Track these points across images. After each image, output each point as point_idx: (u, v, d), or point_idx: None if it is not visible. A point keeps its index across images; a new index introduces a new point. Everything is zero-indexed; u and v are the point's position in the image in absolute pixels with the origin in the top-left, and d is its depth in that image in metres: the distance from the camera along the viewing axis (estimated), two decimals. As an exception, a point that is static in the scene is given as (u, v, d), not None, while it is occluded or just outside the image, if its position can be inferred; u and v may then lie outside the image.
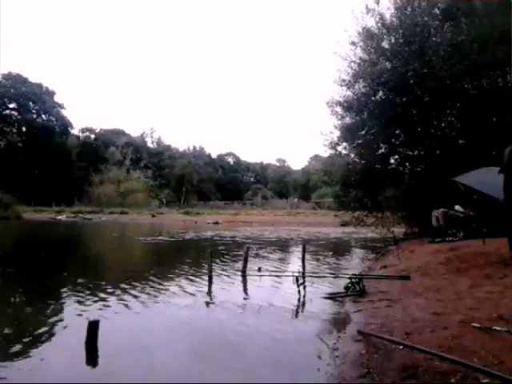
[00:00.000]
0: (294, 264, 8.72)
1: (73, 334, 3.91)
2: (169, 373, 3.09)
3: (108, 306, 5.10)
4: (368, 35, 13.29)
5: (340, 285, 5.92)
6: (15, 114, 57.03)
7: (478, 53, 11.22)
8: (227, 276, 7.34)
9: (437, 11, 13.02)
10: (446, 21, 12.59)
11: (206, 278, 6.84)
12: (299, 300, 5.42)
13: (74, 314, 4.72)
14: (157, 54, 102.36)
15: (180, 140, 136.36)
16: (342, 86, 13.98)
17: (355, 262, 9.99)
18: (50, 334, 4.05)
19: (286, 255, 12.02)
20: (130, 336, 3.99)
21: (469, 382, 2.36)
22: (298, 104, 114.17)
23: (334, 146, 14.72)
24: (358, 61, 13.64)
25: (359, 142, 14.00)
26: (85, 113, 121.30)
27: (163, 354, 3.48)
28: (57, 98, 58.69)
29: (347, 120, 14.30)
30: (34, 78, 57.39)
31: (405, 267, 6.79)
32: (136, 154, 62.78)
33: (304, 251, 8.66)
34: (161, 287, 6.41)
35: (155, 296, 5.78)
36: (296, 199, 59.96)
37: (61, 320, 4.55)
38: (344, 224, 17.11)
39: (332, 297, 5.48)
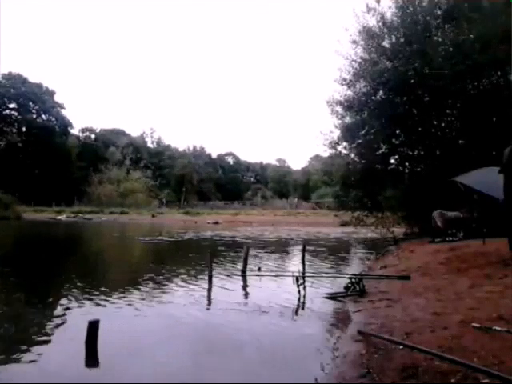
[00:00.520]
0: (294, 264, 8.72)
1: (73, 334, 3.90)
2: (169, 373, 3.09)
3: (108, 306, 5.10)
4: (369, 34, 13.29)
5: (340, 285, 5.92)
6: (15, 113, 57.02)
7: (479, 53, 11.22)
8: (227, 276, 7.34)
9: (438, 11, 13.01)
10: (447, 20, 12.59)
11: (206, 278, 6.84)
12: (299, 300, 5.42)
13: (74, 314, 4.72)
14: (157, 54, 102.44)
15: (180, 140, 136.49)
16: (342, 85, 13.99)
17: (355, 262, 10.00)
18: (50, 334, 4.05)
19: (286, 255, 12.02)
20: (130, 336, 3.99)
21: (469, 382, 2.35)
22: (298, 104, 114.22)
23: (334, 145, 14.72)
24: (358, 60, 13.64)
25: (359, 141, 13.99)
26: (85, 113, 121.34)
27: (163, 353, 3.48)
28: (57, 98, 58.76)
29: (347, 119, 14.30)
30: (33, 78, 57.46)
31: (405, 267, 6.79)
32: (136, 154, 62.81)
33: (304, 251, 8.67)
34: (161, 287, 6.41)
35: (155, 296, 5.78)
36: (296, 199, 59.94)
37: (61, 320, 4.54)
38: (344, 224, 17.11)
39: (332, 297, 5.47)
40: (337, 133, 14.62)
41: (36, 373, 3.09)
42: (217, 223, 33.09)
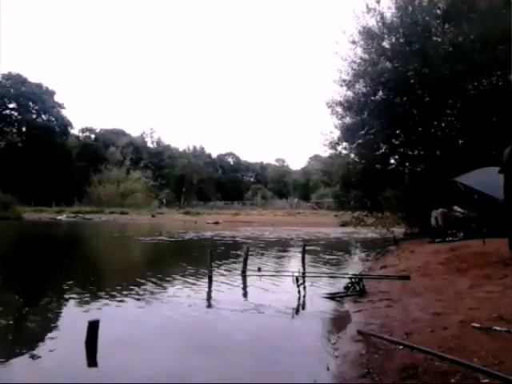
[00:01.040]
0: (294, 264, 8.72)
1: (73, 334, 3.90)
2: (169, 372, 3.09)
3: (108, 306, 5.10)
4: (368, 35, 13.29)
5: (340, 285, 5.92)
6: (15, 113, 57.01)
7: (479, 53, 11.22)
8: (227, 276, 7.34)
9: (438, 11, 13.01)
10: (446, 21, 12.59)
11: (206, 277, 6.84)
12: (299, 300, 5.42)
13: (74, 314, 4.72)
14: (157, 54, 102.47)
15: (180, 140, 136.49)
16: (342, 85, 13.99)
17: (355, 262, 9.99)
18: (50, 334, 4.04)
19: (286, 255, 12.02)
20: (130, 336, 3.99)
21: (469, 381, 2.36)
22: (298, 104, 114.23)
23: (334, 145, 14.72)
24: (358, 60, 13.64)
25: (359, 141, 13.99)
26: (85, 113, 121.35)
27: (163, 353, 3.48)
28: (57, 98, 58.72)
29: (347, 120, 14.30)
30: (33, 78, 57.46)
31: (405, 267, 6.79)
32: (136, 154, 62.80)
33: (304, 251, 8.66)
34: (161, 287, 6.41)
35: (155, 296, 5.78)
36: (296, 199, 59.93)
37: (61, 320, 4.55)
38: (344, 224, 17.10)
39: (332, 297, 5.47)
40: (337, 133, 14.64)
41: (36, 373, 3.09)
42: (217, 223, 33.08)
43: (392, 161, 14.63)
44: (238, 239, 16.52)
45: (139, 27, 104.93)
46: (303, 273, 6.54)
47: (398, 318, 3.85)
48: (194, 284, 6.64)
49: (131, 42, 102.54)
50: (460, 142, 13.08)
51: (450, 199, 9.96)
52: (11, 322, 4.54)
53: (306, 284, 5.94)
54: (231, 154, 79.56)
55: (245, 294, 6.15)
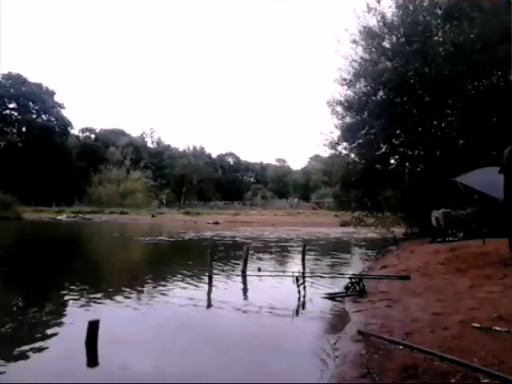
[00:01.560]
0: (294, 264, 8.72)
1: (73, 334, 3.90)
2: (169, 372, 3.09)
3: (108, 306, 5.11)
4: (369, 34, 13.28)
5: (340, 285, 5.92)
6: (15, 113, 57.01)
7: (479, 53, 11.21)
8: (227, 276, 7.34)
9: (438, 11, 13.01)
10: (447, 20, 12.58)
11: (206, 277, 6.84)
12: (299, 300, 5.41)
13: (74, 314, 4.72)
14: (157, 54, 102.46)
15: (180, 140, 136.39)
16: (342, 85, 13.99)
17: (355, 262, 9.99)
18: (50, 334, 4.04)
19: (286, 255, 12.01)
20: (130, 335, 3.98)
21: (469, 381, 2.35)
22: (298, 104, 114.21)
23: (334, 145, 14.71)
24: (359, 60, 13.63)
25: (359, 141, 13.99)
26: (85, 113, 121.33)
27: (164, 353, 3.48)
28: (57, 98, 58.73)
29: (348, 119, 14.29)
30: (33, 78, 57.45)
31: (405, 267, 6.79)
32: (136, 154, 62.80)
33: (304, 251, 8.66)
34: (161, 287, 6.41)
35: (155, 296, 5.77)
36: (296, 199, 59.94)
37: (61, 320, 4.55)
38: (344, 224, 17.09)
39: (332, 297, 5.47)
40: (337, 133, 14.63)
41: (36, 373, 3.09)
42: (217, 223, 33.07)
43: (392, 161, 14.63)
44: (237, 239, 16.52)
45: (139, 27, 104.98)
46: (303, 273, 6.53)
47: (398, 318, 3.85)
48: (194, 284, 6.64)
49: (131, 42, 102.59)
50: (460, 142, 13.07)
51: (450, 199, 9.95)
52: (11, 322, 4.54)
53: (306, 284, 5.93)
54: (231, 154, 79.56)
55: (245, 294, 6.15)
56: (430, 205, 10.40)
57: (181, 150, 72.09)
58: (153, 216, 41.98)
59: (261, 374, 3.09)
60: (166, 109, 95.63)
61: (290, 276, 6.05)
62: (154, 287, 6.40)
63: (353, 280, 5.64)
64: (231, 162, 79.40)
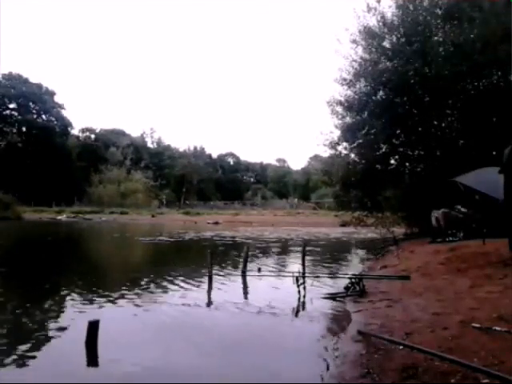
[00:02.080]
0: (294, 264, 8.72)
1: (73, 334, 3.90)
2: (169, 373, 3.09)
3: (108, 306, 5.10)
4: (369, 34, 13.27)
5: (340, 285, 5.92)
6: (15, 114, 57.03)
7: (479, 53, 11.21)
8: (227, 276, 7.34)
9: (438, 11, 13.00)
10: (447, 20, 12.57)
11: (206, 277, 6.84)
12: (299, 300, 5.41)
13: (74, 314, 4.72)
14: (157, 54, 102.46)
15: (180, 140, 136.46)
16: (342, 85, 13.97)
17: (355, 262, 10.00)
18: (50, 334, 4.04)
19: (286, 255, 12.01)
20: (131, 336, 3.99)
21: (469, 381, 2.35)
22: (298, 104, 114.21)
23: (334, 145, 14.70)
24: (359, 60, 13.62)
25: (359, 141, 13.97)
26: (85, 113, 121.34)
27: (164, 353, 3.47)
28: (57, 98, 58.74)
29: (348, 119, 14.27)
30: (34, 78, 57.50)
31: (405, 267, 6.79)
32: (136, 154, 62.83)
33: (304, 251, 8.66)
34: (161, 287, 6.41)
35: (155, 296, 5.77)
36: (296, 199, 59.94)
37: (61, 320, 4.55)
38: (344, 224, 17.10)
39: (332, 297, 5.47)
40: (337, 133, 14.62)
41: (36, 373, 3.09)
42: (217, 223, 33.07)
43: (392, 161, 14.61)
44: (237, 239, 16.53)
45: (139, 27, 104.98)
46: (303, 273, 6.53)
47: (398, 318, 3.85)
48: (194, 284, 6.64)
49: (131, 42, 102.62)
50: (460, 142, 13.06)
51: (450, 199, 9.94)
52: (11, 322, 4.54)
53: (306, 284, 5.93)
54: (231, 154, 79.54)
55: (245, 294, 6.15)
56: (430, 205, 10.39)
57: (181, 150, 72.15)
58: (153, 216, 42.00)
59: (260, 373, 3.09)
60: (166, 109, 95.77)
61: (290, 276, 6.05)
62: (154, 287, 6.40)
63: (353, 280, 5.64)
64: (231, 162, 79.39)
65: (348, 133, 14.15)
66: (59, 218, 36.94)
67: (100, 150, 61.65)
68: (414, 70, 12.15)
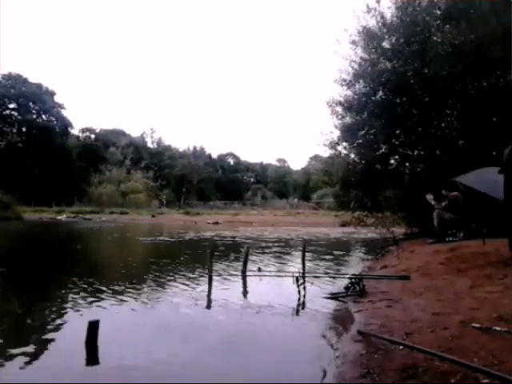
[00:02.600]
0: (294, 264, 8.72)
1: (73, 334, 3.90)
2: (169, 372, 3.09)
3: (108, 306, 5.10)
4: (368, 35, 13.26)
5: (340, 285, 5.92)
6: (15, 114, 57.06)
7: (479, 53, 11.21)
8: (227, 276, 7.34)
9: (437, 11, 13.01)
10: (446, 21, 12.57)
11: (206, 277, 6.84)
12: (299, 300, 5.41)
13: (74, 314, 4.72)
14: (157, 54, 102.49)
15: (180, 140, 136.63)
16: (342, 85, 13.96)
17: (355, 262, 9.99)
18: (50, 334, 4.04)
19: (286, 255, 12.01)
20: (131, 336, 3.99)
21: (469, 382, 2.36)
22: (298, 104, 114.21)
23: (334, 145, 14.70)
24: (358, 60, 13.61)
25: (359, 141, 13.97)
26: (85, 113, 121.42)
27: (164, 353, 3.48)
28: (57, 98, 58.82)
29: (347, 120, 14.27)
30: (33, 78, 57.51)
31: (405, 267, 6.79)
32: (136, 154, 62.84)
33: (304, 251, 8.66)
34: (161, 287, 6.41)
35: (155, 296, 5.78)
36: (296, 199, 59.97)
37: (61, 320, 4.55)
38: (344, 224, 17.08)
39: (332, 297, 5.47)
40: (337, 133, 14.60)
41: (36, 373, 3.10)
42: (217, 223, 33.08)
43: (392, 161, 14.60)
44: (237, 239, 16.53)
45: (139, 27, 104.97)
46: (303, 273, 6.53)
47: (398, 318, 3.85)
48: (194, 284, 6.64)
49: (131, 42, 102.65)
50: (460, 142, 13.05)
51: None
52: (11, 322, 4.54)
53: (306, 284, 5.93)
54: (231, 154, 79.58)
55: (245, 294, 6.15)
56: (430, 205, 10.39)
57: (181, 150, 72.22)
58: (153, 216, 42.02)
59: (260, 374, 3.09)
60: (166, 109, 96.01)
61: (290, 276, 6.04)
62: (154, 287, 6.40)
63: (353, 280, 5.63)
64: (231, 162, 79.44)
65: (348, 133, 14.14)
66: (59, 218, 36.96)
67: (100, 150, 61.69)
68: (414, 71, 12.15)
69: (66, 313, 4.86)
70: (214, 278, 6.86)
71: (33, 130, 55.04)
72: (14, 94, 55.03)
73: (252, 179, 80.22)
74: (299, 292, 5.61)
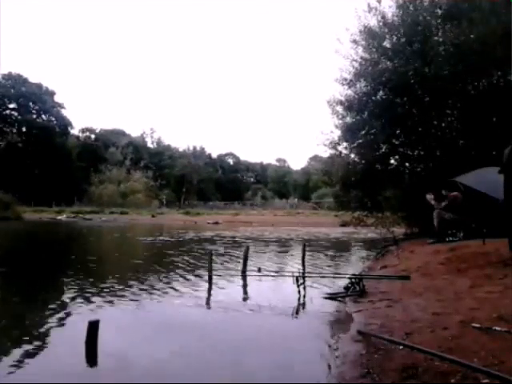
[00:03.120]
0: (294, 264, 8.71)
1: (73, 334, 3.90)
2: (169, 372, 3.09)
3: (108, 306, 5.10)
4: (369, 34, 13.26)
5: (340, 285, 5.91)
6: (15, 114, 57.05)
7: (479, 53, 11.20)
8: (227, 276, 7.33)
9: (438, 11, 13.01)
10: (447, 20, 12.57)
11: (206, 277, 6.84)
12: (299, 300, 5.41)
13: (74, 314, 4.72)
14: (157, 54, 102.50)
15: (180, 140, 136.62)
16: (343, 84, 13.96)
17: (355, 262, 9.99)
18: (50, 334, 4.04)
19: (286, 255, 12.01)
20: (131, 336, 3.99)
21: (469, 382, 2.35)
22: (298, 104, 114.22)
23: (334, 145, 14.70)
24: (359, 60, 13.61)
25: (360, 141, 13.97)
26: (85, 113, 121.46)
27: (163, 353, 3.48)
28: (57, 98, 58.79)
29: (348, 119, 14.26)
30: (33, 78, 57.50)
31: (405, 267, 6.78)
32: (136, 154, 62.85)
33: (304, 251, 8.66)
34: (161, 287, 6.40)
35: (156, 296, 5.77)
36: (296, 199, 59.96)
37: (61, 320, 4.54)
38: (344, 224, 17.09)
39: (332, 297, 5.47)
40: (337, 133, 14.61)
41: (36, 373, 3.09)
42: (217, 223, 33.09)
43: (392, 161, 14.61)
44: (237, 239, 16.52)
45: (139, 27, 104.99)
46: (303, 273, 6.53)
47: (398, 318, 3.85)
48: (193, 284, 6.64)
49: (131, 41, 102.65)
50: (460, 142, 13.05)
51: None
52: (11, 322, 4.54)
53: (306, 284, 5.93)
54: (231, 154, 79.58)
55: (244, 294, 6.15)
56: (430, 205, 10.38)
57: (181, 150, 72.20)
58: (153, 216, 42.03)
59: (259, 373, 3.09)
60: (166, 109, 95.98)
61: (289, 276, 6.04)
62: (154, 287, 6.39)
63: (353, 280, 5.63)
64: (231, 162, 79.44)
65: (348, 133, 14.14)
66: (59, 218, 36.97)
67: (100, 150, 61.70)
68: (414, 70, 12.15)
69: (65, 312, 4.86)
70: (214, 277, 6.86)
71: (33, 130, 55.05)
72: (13, 93, 55.03)
73: (252, 179, 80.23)
74: (299, 292, 5.61)
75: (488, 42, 11.02)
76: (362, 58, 13.60)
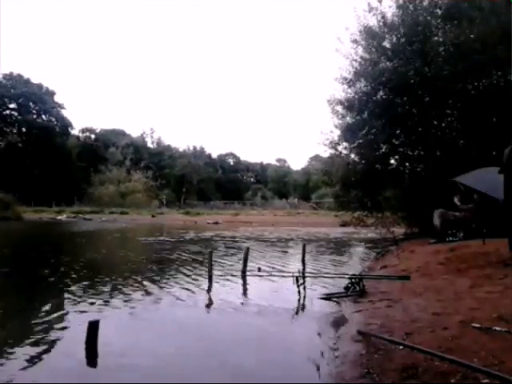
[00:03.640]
0: (294, 264, 8.71)
1: (73, 334, 3.90)
2: (169, 372, 3.09)
3: (108, 306, 5.10)
4: (370, 34, 13.28)
5: (340, 285, 5.91)
6: (15, 114, 57.04)
7: (479, 53, 11.21)
8: (227, 276, 7.33)
9: (438, 11, 13.02)
10: (447, 20, 12.58)
11: (206, 277, 6.84)
12: (299, 300, 5.41)
13: (74, 314, 4.72)
14: (157, 54, 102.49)
15: (180, 140, 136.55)
16: (343, 83, 13.97)
17: (355, 262, 9.98)
18: (50, 334, 4.04)
19: (286, 255, 12.01)
20: (131, 336, 3.99)
21: (469, 382, 2.35)
22: (298, 103, 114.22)
23: (334, 145, 14.72)
24: (359, 59, 13.63)
25: (360, 141, 13.98)
26: (85, 113, 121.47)
27: (163, 353, 3.48)
28: (57, 98, 58.78)
29: (348, 119, 14.28)
30: (34, 79, 57.57)
31: (405, 267, 6.78)
32: (136, 154, 62.82)
33: (304, 251, 8.66)
34: (161, 287, 6.41)
35: (156, 296, 5.77)
36: (296, 199, 59.93)
37: (61, 320, 4.54)
38: (344, 224, 17.10)
39: (332, 297, 5.46)
40: (337, 133, 14.63)
41: (36, 373, 3.09)
42: (217, 223, 33.09)
43: (392, 161, 14.63)
44: (237, 239, 16.52)
45: (139, 27, 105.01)
46: (303, 273, 6.53)
47: (398, 318, 3.85)
48: (193, 284, 6.63)
49: (131, 42, 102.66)
50: (460, 142, 13.06)
51: (450, 199, 9.94)
52: (11, 322, 4.54)
53: (306, 284, 5.92)
54: (231, 154, 79.52)
55: (244, 294, 6.14)
56: (430, 205, 10.39)
57: (181, 150, 72.15)
58: (153, 216, 42.03)
59: (259, 374, 3.09)
60: (166, 109, 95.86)
61: (289, 276, 6.04)
62: (155, 287, 6.39)
63: (353, 280, 5.63)
64: (231, 162, 79.38)
65: (348, 133, 14.15)
66: (59, 218, 36.98)
67: (100, 150, 61.68)
68: (414, 70, 12.16)
69: (66, 313, 4.86)
70: (214, 277, 6.86)
71: (33, 130, 55.03)
72: (14, 94, 55.02)
73: (252, 179, 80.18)
74: (299, 292, 5.61)
75: (488, 42, 11.02)
76: (362, 57, 13.61)
